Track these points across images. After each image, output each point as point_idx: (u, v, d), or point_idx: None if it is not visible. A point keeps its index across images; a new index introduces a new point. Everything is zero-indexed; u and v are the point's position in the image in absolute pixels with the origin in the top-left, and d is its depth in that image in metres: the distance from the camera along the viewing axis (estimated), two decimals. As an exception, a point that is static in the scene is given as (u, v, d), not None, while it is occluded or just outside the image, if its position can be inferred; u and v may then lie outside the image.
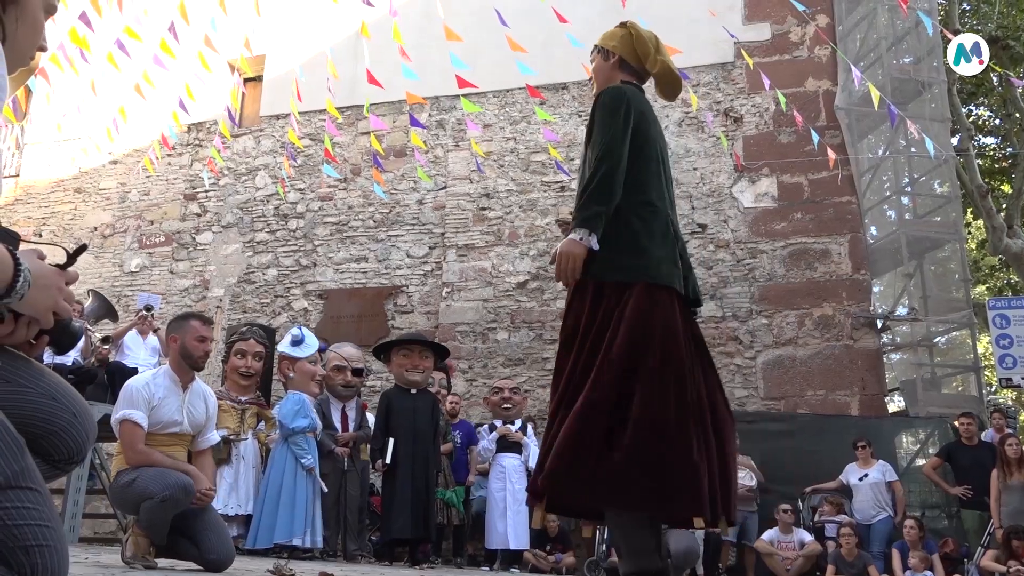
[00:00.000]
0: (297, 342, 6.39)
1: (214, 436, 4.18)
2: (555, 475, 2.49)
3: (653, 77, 2.99)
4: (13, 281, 1.17)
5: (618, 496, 2.46)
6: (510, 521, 6.74)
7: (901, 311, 9.52)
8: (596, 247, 2.62)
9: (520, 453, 6.99)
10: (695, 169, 9.93)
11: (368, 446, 6.35)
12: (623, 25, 3.05)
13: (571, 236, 2.64)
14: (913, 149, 9.67)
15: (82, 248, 1.52)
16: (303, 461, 5.82)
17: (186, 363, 3.97)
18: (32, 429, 1.25)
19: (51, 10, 1.35)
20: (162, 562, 3.81)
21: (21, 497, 1.11)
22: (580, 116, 10.48)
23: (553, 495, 2.54)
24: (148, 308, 8.24)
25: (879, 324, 9.16)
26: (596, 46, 3.05)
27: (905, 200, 10.04)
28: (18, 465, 1.12)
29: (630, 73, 2.97)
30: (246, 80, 12.32)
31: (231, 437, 5.97)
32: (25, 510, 1.11)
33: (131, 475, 3.69)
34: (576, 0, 10.09)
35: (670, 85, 3.00)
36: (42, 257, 1.31)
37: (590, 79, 3.12)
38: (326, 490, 5.83)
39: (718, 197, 9.76)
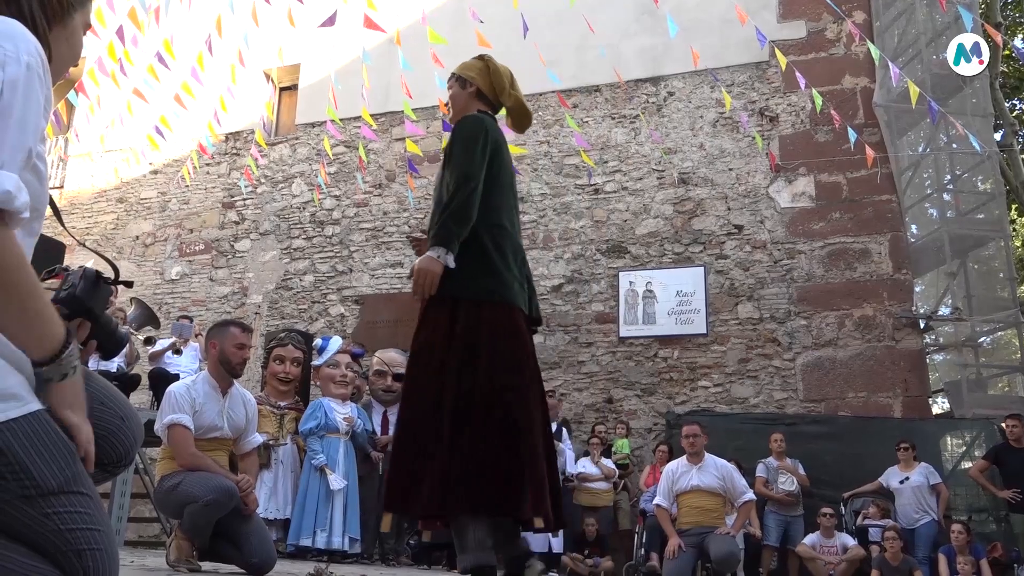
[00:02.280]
0: (319, 351, 6.49)
1: (256, 438, 4.21)
2: (392, 485, 2.78)
3: (506, 110, 3.21)
4: (61, 350, 1.20)
5: (459, 500, 2.64)
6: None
7: (944, 311, 9.32)
8: (452, 265, 2.81)
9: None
10: (730, 170, 9.84)
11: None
12: (481, 58, 3.25)
13: (429, 254, 2.82)
14: (955, 145, 9.49)
15: (120, 280, 1.56)
16: (313, 461, 5.87)
17: (224, 369, 4.00)
18: (82, 434, 1.27)
19: (87, 26, 1.40)
20: (205, 565, 3.85)
21: (73, 502, 1.13)
22: (613, 118, 10.45)
23: (399, 503, 2.78)
24: (176, 350, 8.28)
25: (922, 324, 8.99)
26: (454, 74, 3.23)
27: (947, 197, 9.85)
28: (70, 470, 1.14)
29: (485, 103, 3.17)
30: (282, 89, 12.48)
31: (270, 442, 6.04)
32: (77, 514, 1.13)
33: (175, 479, 3.74)
34: (609, 2, 10.09)
35: (521, 118, 3.24)
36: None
37: (448, 105, 3.29)
38: (335, 487, 5.82)
39: (754, 197, 9.66)
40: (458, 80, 3.19)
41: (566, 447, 7.14)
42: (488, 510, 2.68)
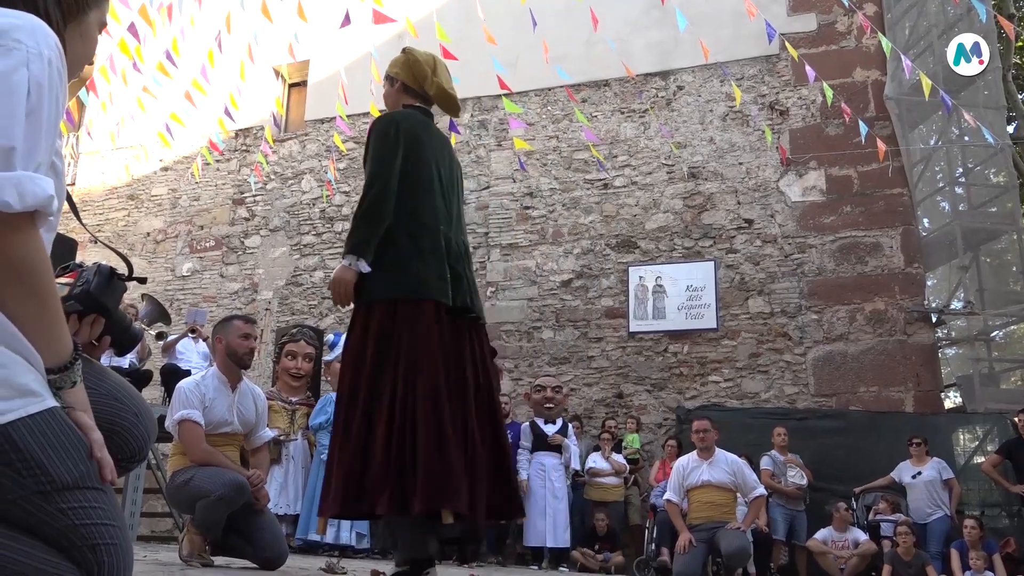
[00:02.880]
0: (331, 346, 6.52)
1: (267, 433, 4.22)
2: (329, 488, 2.80)
3: (433, 98, 3.18)
4: (71, 362, 1.22)
5: (386, 498, 2.64)
6: (549, 519, 6.75)
7: (956, 305, 9.27)
8: (366, 270, 2.83)
9: (560, 453, 7.00)
10: (740, 164, 9.80)
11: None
12: (403, 51, 3.21)
13: (341, 263, 2.87)
14: (967, 138, 9.42)
15: (134, 276, 1.56)
16: (322, 456, 5.91)
17: (232, 362, 4.02)
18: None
19: (103, 26, 1.40)
20: (217, 560, 3.88)
21: (88, 497, 1.14)
22: (622, 113, 10.42)
23: (337, 506, 2.76)
24: (193, 331, 8.36)
25: (934, 318, 8.94)
26: (385, 74, 3.22)
27: (959, 191, 9.78)
28: (84, 466, 1.15)
29: (414, 96, 3.15)
30: (291, 85, 12.50)
31: (281, 437, 6.07)
32: (92, 509, 1.14)
33: (187, 475, 3.76)
34: (617, -3, 10.05)
35: (447, 105, 3.21)
36: None
37: (378, 106, 3.35)
38: None
39: (764, 191, 9.62)
40: (387, 79, 3.19)
41: (571, 443, 7.14)
42: (388, 507, 2.66)
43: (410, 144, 2.94)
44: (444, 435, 2.70)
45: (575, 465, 7.31)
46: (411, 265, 2.86)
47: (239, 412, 4.01)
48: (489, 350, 3.10)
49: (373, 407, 2.76)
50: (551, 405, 7.11)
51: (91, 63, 1.45)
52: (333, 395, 6.20)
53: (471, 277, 3.08)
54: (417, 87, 3.14)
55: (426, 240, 2.91)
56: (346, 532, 5.79)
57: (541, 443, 7.01)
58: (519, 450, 6.98)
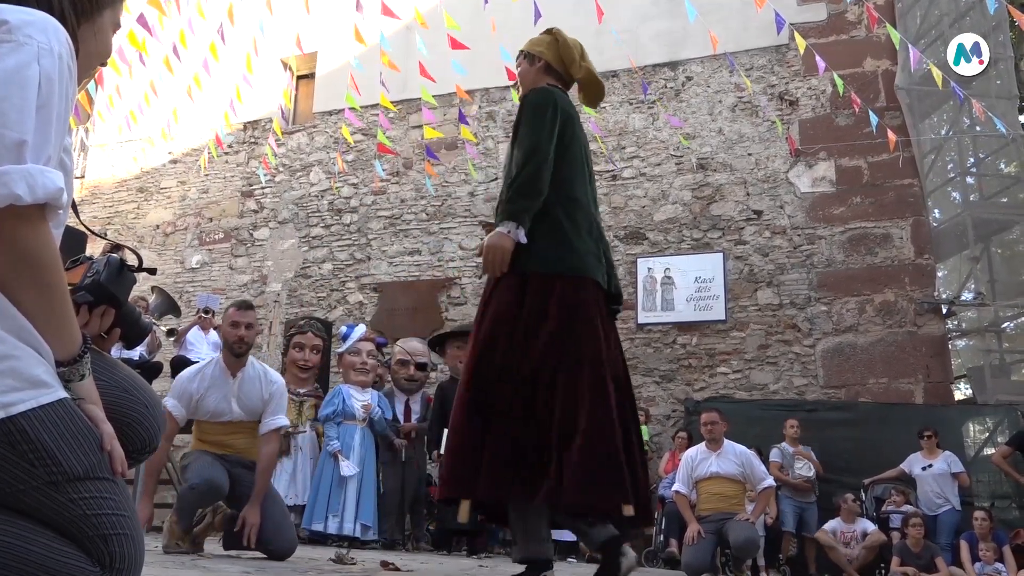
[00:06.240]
0: (343, 338, 6.53)
1: (277, 420, 4.04)
2: (455, 468, 2.60)
3: (577, 83, 3.11)
4: (80, 355, 1.22)
5: (506, 484, 2.49)
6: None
7: (967, 296, 9.23)
8: (523, 240, 2.70)
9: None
10: (749, 154, 9.75)
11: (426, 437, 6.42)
12: (549, 32, 3.14)
13: (498, 229, 2.70)
14: (978, 128, 9.35)
15: (143, 267, 1.56)
16: (328, 447, 5.92)
17: (225, 349, 4.03)
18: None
19: (117, 26, 1.41)
20: (230, 552, 3.91)
21: (99, 487, 1.15)
22: (631, 104, 10.38)
23: (467, 486, 2.56)
24: (207, 311, 8.40)
25: (944, 310, 8.89)
26: (522, 51, 3.13)
27: (970, 181, 9.72)
28: (95, 456, 1.16)
29: (555, 78, 3.06)
30: (299, 77, 12.50)
31: (289, 429, 6.09)
32: (103, 500, 1.15)
33: (189, 458, 3.84)
34: (625, -14, 10.00)
35: (593, 90, 3.12)
36: None
37: (515, 83, 3.21)
38: (346, 473, 5.85)
39: (774, 183, 9.58)
40: (526, 57, 3.10)
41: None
42: (545, 497, 2.49)
43: (565, 121, 2.86)
44: (612, 428, 2.56)
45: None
46: (572, 241, 2.74)
47: (240, 400, 3.97)
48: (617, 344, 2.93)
49: (526, 389, 2.58)
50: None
51: (104, 63, 1.46)
52: (343, 387, 6.21)
53: (612, 262, 2.98)
54: (561, 68, 3.06)
55: (581, 218, 2.81)
56: (349, 523, 5.82)
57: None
58: None
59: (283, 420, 4.09)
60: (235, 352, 3.98)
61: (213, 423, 3.93)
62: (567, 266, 2.72)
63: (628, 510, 2.49)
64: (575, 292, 2.69)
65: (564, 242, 2.73)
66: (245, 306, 4.14)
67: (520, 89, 3.11)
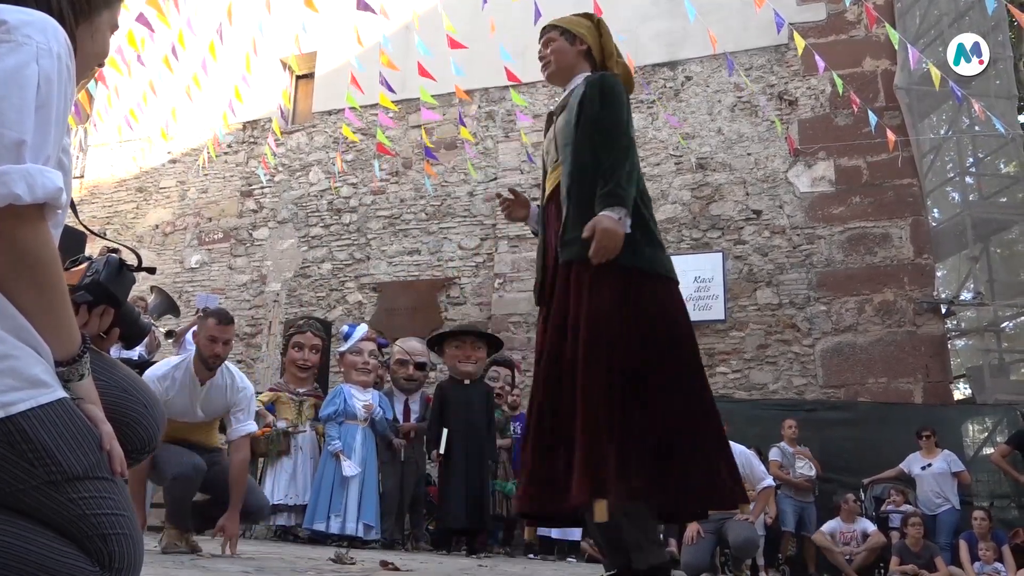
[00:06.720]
0: (344, 337, 6.54)
1: (244, 427, 3.96)
2: (588, 465, 2.37)
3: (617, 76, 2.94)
4: (79, 355, 1.22)
5: (607, 485, 2.33)
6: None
7: (966, 296, 9.24)
8: (628, 230, 2.51)
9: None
10: (748, 154, 9.76)
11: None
12: (589, 17, 2.99)
13: (610, 214, 2.46)
14: (978, 128, 9.35)
15: (143, 266, 1.56)
16: (329, 447, 5.92)
17: (199, 360, 3.83)
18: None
19: (114, 27, 1.41)
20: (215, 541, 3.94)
21: (98, 487, 1.15)
22: (632, 102, 10.37)
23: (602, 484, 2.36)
24: (206, 310, 8.36)
25: (943, 309, 8.90)
26: (558, 27, 2.94)
27: (970, 181, 9.73)
28: (94, 456, 1.16)
29: (591, 65, 2.91)
30: (299, 77, 12.50)
31: (289, 429, 6.09)
32: (102, 499, 1.15)
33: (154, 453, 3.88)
34: (625, -14, 9.99)
35: (627, 89, 2.93)
36: None
37: (543, 58, 2.98)
38: (348, 473, 5.85)
39: (773, 182, 9.59)
40: (565, 35, 2.91)
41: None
42: (630, 495, 2.35)
43: (630, 110, 2.75)
44: (719, 436, 2.51)
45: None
46: (659, 240, 2.63)
47: (204, 406, 3.93)
48: None
49: (634, 391, 2.43)
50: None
51: (102, 64, 1.47)
52: (343, 387, 6.21)
53: None
54: (599, 58, 2.92)
55: (652, 212, 2.70)
56: (352, 523, 5.82)
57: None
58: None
59: (252, 426, 4.03)
60: (208, 366, 3.83)
61: (178, 420, 3.87)
62: (664, 268, 2.60)
63: (746, 509, 2.59)
64: (674, 296, 2.61)
65: (655, 240, 2.61)
66: (226, 320, 3.92)
67: (553, 65, 2.93)
